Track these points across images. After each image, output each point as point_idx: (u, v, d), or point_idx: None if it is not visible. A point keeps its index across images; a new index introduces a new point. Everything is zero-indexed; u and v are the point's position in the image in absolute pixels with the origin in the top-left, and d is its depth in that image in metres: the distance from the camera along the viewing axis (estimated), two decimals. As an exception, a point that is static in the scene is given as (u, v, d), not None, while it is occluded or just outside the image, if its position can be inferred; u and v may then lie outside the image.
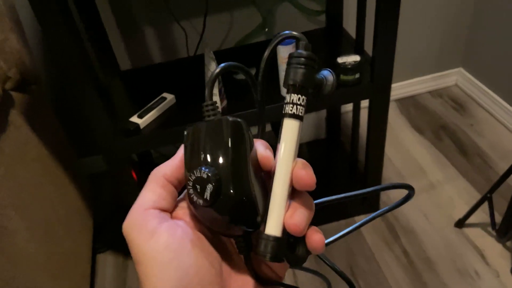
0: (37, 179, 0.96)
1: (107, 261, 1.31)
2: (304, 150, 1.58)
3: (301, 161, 0.27)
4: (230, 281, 0.29)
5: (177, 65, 1.23)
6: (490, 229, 1.24)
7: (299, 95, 0.27)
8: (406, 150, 1.54)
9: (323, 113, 1.56)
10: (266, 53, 0.29)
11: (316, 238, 0.27)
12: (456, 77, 1.77)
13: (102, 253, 1.32)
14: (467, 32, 1.63)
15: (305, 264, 0.31)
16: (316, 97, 0.28)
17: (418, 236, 1.27)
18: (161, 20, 1.30)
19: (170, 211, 0.28)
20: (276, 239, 0.27)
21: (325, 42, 1.24)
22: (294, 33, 0.28)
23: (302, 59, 0.27)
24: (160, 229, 0.26)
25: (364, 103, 1.41)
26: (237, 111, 1.00)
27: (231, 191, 0.25)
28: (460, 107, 1.69)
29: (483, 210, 1.23)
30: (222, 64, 0.28)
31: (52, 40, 0.81)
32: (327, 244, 0.32)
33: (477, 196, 1.32)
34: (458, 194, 1.37)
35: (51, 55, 1.26)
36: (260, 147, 0.28)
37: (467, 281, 1.14)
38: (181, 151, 0.28)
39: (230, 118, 0.27)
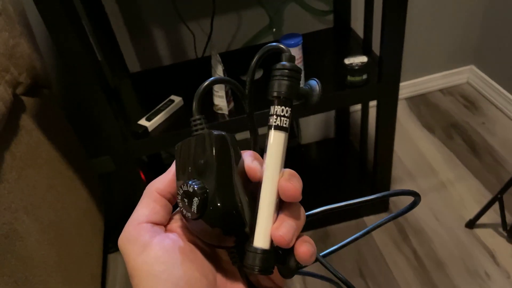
0: (48, 181, 0.98)
1: (118, 261, 1.32)
2: (313, 150, 1.58)
3: (288, 172, 0.28)
4: None
5: (185, 67, 1.24)
6: (501, 229, 1.22)
7: (283, 107, 0.27)
8: (416, 149, 1.53)
9: (332, 112, 1.56)
10: (253, 65, 0.29)
11: (303, 249, 0.27)
12: (467, 75, 1.74)
13: (113, 253, 1.34)
14: (479, 29, 1.61)
15: (313, 269, 0.31)
16: (304, 107, 0.29)
17: (428, 236, 1.26)
18: (168, 22, 1.31)
19: (164, 224, 0.29)
20: (264, 251, 0.27)
21: (333, 42, 1.23)
22: (278, 45, 0.28)
23: (286, 71, 0.27)
24: (152, 243, 0.26)
25: (373, 102, 1.40)
26: (244, 114, 1.01)
27: (218, 204, 0.26)
28: (472, 105, 1.67)
29: (494, 210, 1.22)
30: (210, 79, 0.29)
31: (60, 44, 0.82)
32: (338, 249, 0.33)
33: (488, 196, 1.31)
34: (469, 194, 1.35)
35: (61, 58, 1.28)
36: (248, 159, 0.29)
37: (477, 282, 1.13)
38: (173, 166, 0.29)
39: (215, 132, 0.28)
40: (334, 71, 1.09)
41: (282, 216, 0.27)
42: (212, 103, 1.03)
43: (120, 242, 0.27)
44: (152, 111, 1.04)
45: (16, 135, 0.88)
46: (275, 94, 0.27)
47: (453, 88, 1.75)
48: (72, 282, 0.97)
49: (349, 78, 1.01)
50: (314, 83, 0.29)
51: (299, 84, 0.28)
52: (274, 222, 0.27)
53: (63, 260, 0.95)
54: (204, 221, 0.26)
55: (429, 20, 1.54)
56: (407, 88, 1.71)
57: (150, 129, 1.01)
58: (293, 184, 0.27)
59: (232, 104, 1.03)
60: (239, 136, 1.64)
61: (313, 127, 1.57)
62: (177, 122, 1.03)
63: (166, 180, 0.29)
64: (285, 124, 0.27)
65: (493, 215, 1.25)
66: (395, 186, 1.40)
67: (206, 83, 0.28)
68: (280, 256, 0.28)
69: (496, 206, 1.18)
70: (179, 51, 1.37)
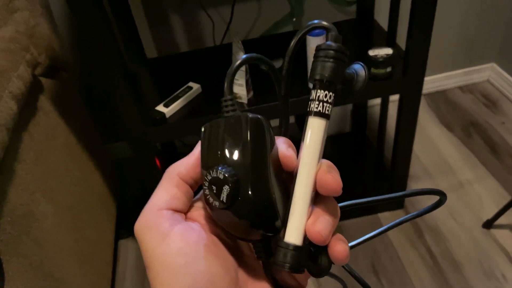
0: (65, 165, 0.97)
1: (129, 247, 1.32)
2: (327, 144, 1.55)
3: (326, 163, 0.25)
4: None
5: (204, 54, 1.22)
6: (520, 231, 1.20)
7: (326, 92, 0.25)
8: (434, 147, 1.50)
9: (349, 106, 1.53)
10: (292, 44, 0.26)
11: (339, 248, 0.25)
12: (488, 73, 1.71)
13: (124, 239, 1.34)
14: (504, 27, 1.57)
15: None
16: (346, 94, 0.26)
17: (444, 236, 1.24)
18: (188, 8, 1.29)
19: (184, 211, 0.26)
20: (296, 248, 0.25)
21: (356, 33, 1.21)
22: (324, 22, 0.25)
23: (331, 51, 0.24)
24: (172, 232, 0.24)
25: (393, 97, 1.37)
26: (264, 103, 0.99)
27: (250, 193, 0.24)
28: (492, 104, 1.63)
29: (514, 211, 1.19)
30: (243, 56, 0.26)
31: (83, 26, 0.80)
32: (351, 248, 0.30)
33: (507, 197, 1.28)
34: (488, 194, 1.32)
35: (80, 42, 1.27)
36: (282, 146, 0.26)
37: (493, 284, 1.11)
38: (197, 149, 0.27)
39: (250, 115, 0.25)
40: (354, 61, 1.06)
41: (317, 211, 0.25)
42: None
43: (137, 228, 0.25)
44: (170, 98, 1.02)
45: (34, 116, 0.87)
46: (318, 77, 0.24)
47: (473, 86, 1.72)
48: (85, 266, 0.97)
49: (372, 70, 0.99)
50: (360, 67, 0.26)
51: (345, 67, 0.25)
52: (308, 217, 0.25)
53: (77, 244, 0.95)
54: (232, 212, 0.24)
55: (452, 15, 1.51)
56: (426, 84, 1.68)
57: (167, 116, 0.99)
58: (334, 176, 0.24)
59: (251, 93, 1.01)
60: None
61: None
62: (196, 109, 1.01)
63: (189, 164, 0.26)
64: (327, 110, 0.25)
65: (511, 217, 1.22)
66: (412, 184, 1.38)
67: (240, 60, 0.26)
68: (311, 254, 0.26)
69: (515, 207, 1.16)
70: (197, 38, 1.35)
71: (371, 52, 0.99)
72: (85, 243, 0.99)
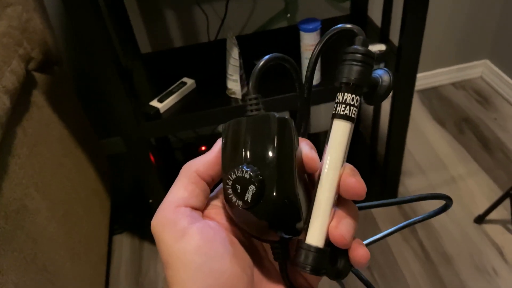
0: (59, 159, 0.97)
1: (124, 242, 1.32)
2: (323, 140, 1.56)
3: (350, 166, 0.26)
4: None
5: (198, 50, 1.22)
6: (510, 226, 1.21)
7: (353, 95, 0.25)
8: (427, 143, 1.51)
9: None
10: (321, 44, 0.26)
11: (362, 252, 0.25)
12: (481, 69, 1.72)
13: (119, 234, 1.34)
14: (496, 23, 1.58)
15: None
16: (370, 99, 0.26)
17: (436, 230, 1.25)
18: (182, 3, 1.29)
19: (201, 209, 0.26)
20: (318, 250, 0.25)
21: (349, 29, 1.21)
22: (347, 25, 0.26)
23: (359, 55, 0.24)
24: (191, 230, 0.24)
25: (386, 94, 1.38)
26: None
27: (274, 194, 0.23)
28: (484, 100, 1.65)
29: (505, 206, 1.21)
30: (267, 56, 0.26)
31: (76, 20, 0.80)
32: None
33: (498, 192, 1.30)
34: (479, 190, 1.34)
35: (73, 36, 1.26)
36: (305, 147, 0.26)
37: (484, 278, 1.13)
38: (217, 146, 0.27)
39: (277, 114, 0.25)
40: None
41: (340, 214, 0.25)
42: (224, 87, 1.02)
43: (155, 225, 0.25)
44: (164, 93, 1.02)
45: (27, 111, 0.87)
46: (345, 80, 0.25)
47: (466, 82, 1.73)
48: (79, 261, 0.97)
49: (366, 66, 0.99)
50: (384, 73, 0.26)
51: (371, 72, 0.25)
52: (331, 220, 0.25)
53: (71, 239, 0.95)
54: (255, 212, 0.24)
55: (445, 12, 1.52)
56: (419, 80, 1.69)
57: (162, 111, 0.99)
58: (358, 180, 0.25)
59: (245, 89, 1.02)
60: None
61: (323, 116, 1.56)
62: (190, 104, 1.01)
63: (207, 161, 0.26)
64: (353, 114, 0.25)
65: (502, 212, 1.23)
66: (405, 180, 1.39)
67: (264, 60, 0.26)
68: (331, 257, 0.26)
69: (506, 202, 1.17)
70: (191, 33, 1.35)
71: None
72: (79, 238, 0.99)
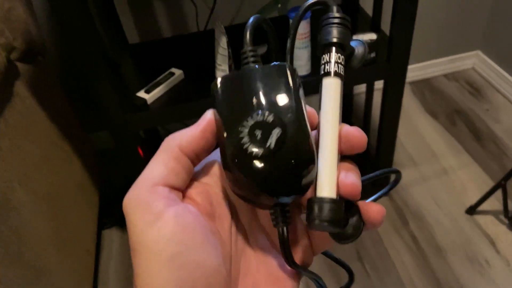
0: (43, 152, 0.94)
1: (113, 237, 1.30)
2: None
3: (345, 124, 0.25)
4: (238, 282, 0.25)
5: (187, 40, 1.20)
6: (502, 217, 1.21)
7: (339, 54, 0.25)
8: (419, 134, 1.51)
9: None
10: (297, 17, 0.27)
11: (375, 207, 0.23)
12: (473, 60, 1.71)
13: (108, 229, 1.32)
14: (488, 13, 1.57)
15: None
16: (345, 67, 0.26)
17: (427, 222, 1.25)
18: (171, -7, 1.26)
19: (182, 189, 0.23)
20: (333, 200, 0.23)
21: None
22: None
23: (338, 19, 0.25)
24: (167, 214, 0.21)
25: (378, 85, 1.37)
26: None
27: (297, 139, 0.22)
28: (476, 92, 1.64)
29: (496, 197, 1.20)
30: (256, 15, 0.26)
31: (60, 9, 0.78)
32: None
33: (490, 183, 1.29)
34: (471, 181, 1.33)
35: (58, 27, 1.23)
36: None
37: (476, 269, 1.12)
38: (205, 118, 0.24)
39: (280, 63, 0.24)
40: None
41: (345, 166, 0.24)
42: (213, 77, 0.99)
43: (126, 203, 0.22)
44: (152, 84, 1.00)
45: (9, 102, 0.85)
46: (334, 40, 0.25)
47: (458, 74, 1.72)
48: (66, 256, 0.95)
49: (357, 56, 0.98)
50: (359, 43, 0.26)
51: (350, 35, 0.26)
52: (338, 173, 0.23)
53: (57, 234, 0.93)
54: (276, 159, 0.21)
55: (436, 2, 1.50)
56: (411, 72, 1.68)
57: (149, 102, 0.97)
58: (359, 130, 0.24)
59: (231, 60, 0.99)
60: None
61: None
62: (178, 95, 0.99)
63: (192, 135, 0.23)
64: (342, 71, 0.25)
65: (494, 203, 1.23)
66: (397, 171, 1.38)
67: (257, 17, 0.25)
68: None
69: (497, 193, 1.17)
70: (180, 23, 1.33)
71: (355, 37, 0.97)
72: (65, 232, 0.97)
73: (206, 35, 1.17)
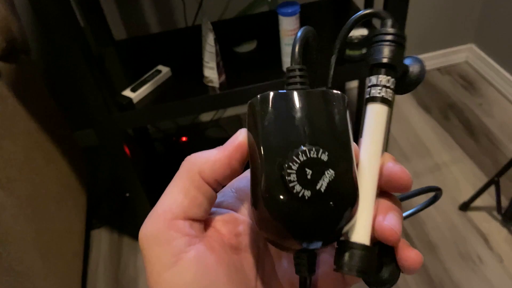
0: (26, 153, 0.92)
1: (102, 237, 1.28)
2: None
3: (389, 155, 0.22)
4: None
5: (174, 36, 1.17)
6: (495, 213, 1.20)
7: (388, 77, 0.22)
8: (411, 129, 1.49)
9: (327, 89, 1.50)
10: (346, 28, 0.24)
11: (413, 254, 0.20)
12: (466, 54, 1.69)
13: (97, 229, 1.30)
14: (481, 7, 1.55)
15: None
16: (398, 87, 0.23)
17: (420, 218, 1.24)
18: (158, -13, 1.23)
19: (203, 220, 0.21)
20: (365, 247, 0.21)
21: (331, 14, 1.17)
22: (374, 10, 0.23)
23: (391, 36, 0.22)
24: (187, 257, 0.19)
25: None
26: (237, 86, 0.95)
27: (349, 184, 0.20)
28: (470, 86, 1.62)
29: (490, 193, 1.19)
30: (306, 27, 0.23)
31: (40, 5, 0.75)
32: None
33: (483, 179, 1.28)
34: (464, 176, 1.32)
35: (41, 24, 1.20)
36: None
37: (469, 265, 1.11)
38: (234, 142, 0.21)
39: (334, 90, 0.22)
40: (332, 44, 1.03)
41: (383, 206, 0.21)
42: (201, 75, 0.97)
43: (143, 238, 0.20)
44: (138, 82, 0.97)
45: (-12, 103, 0.82)
46: (385, 60, 0.22)
47: (451, 67, 1.71)
48: (51, 259, 0.93)
49: (347, 51, 0.96)
50: (415, 60, 0.23)
51: (404, 53, 0.23)
52: (375, 214, 0.21)
53: (41, 237, 0.90)
54: (322, 204, 0.19)
55: (431, -5, 1.48)
56: (405, 66, 1.66)
57: (135, 101, 0.95)
58: (403, 169, 0.21)
59: (223, 77, 0.97)
60: (231, 111, 1.58)
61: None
62: (165, 94, 0.97)
63: (216, 160, 0.20)
64: (390, 97, 0.22)
65: (487, 199, 1.22)
66: (389, 167, 1.36)
67: (306, 29, 0.22)
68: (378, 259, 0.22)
69: (491, 189, 1.15)
70: (167, 18, 1.30)
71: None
72: (50, 235, 0.95)
73: (194, 30, 1.14)
